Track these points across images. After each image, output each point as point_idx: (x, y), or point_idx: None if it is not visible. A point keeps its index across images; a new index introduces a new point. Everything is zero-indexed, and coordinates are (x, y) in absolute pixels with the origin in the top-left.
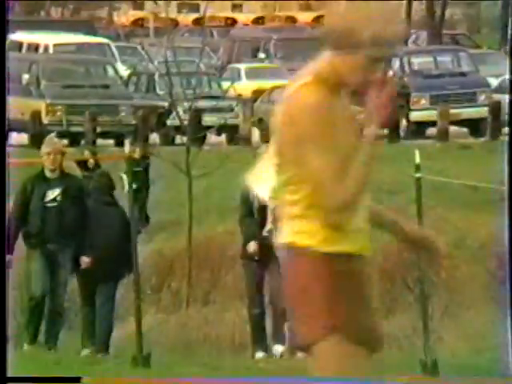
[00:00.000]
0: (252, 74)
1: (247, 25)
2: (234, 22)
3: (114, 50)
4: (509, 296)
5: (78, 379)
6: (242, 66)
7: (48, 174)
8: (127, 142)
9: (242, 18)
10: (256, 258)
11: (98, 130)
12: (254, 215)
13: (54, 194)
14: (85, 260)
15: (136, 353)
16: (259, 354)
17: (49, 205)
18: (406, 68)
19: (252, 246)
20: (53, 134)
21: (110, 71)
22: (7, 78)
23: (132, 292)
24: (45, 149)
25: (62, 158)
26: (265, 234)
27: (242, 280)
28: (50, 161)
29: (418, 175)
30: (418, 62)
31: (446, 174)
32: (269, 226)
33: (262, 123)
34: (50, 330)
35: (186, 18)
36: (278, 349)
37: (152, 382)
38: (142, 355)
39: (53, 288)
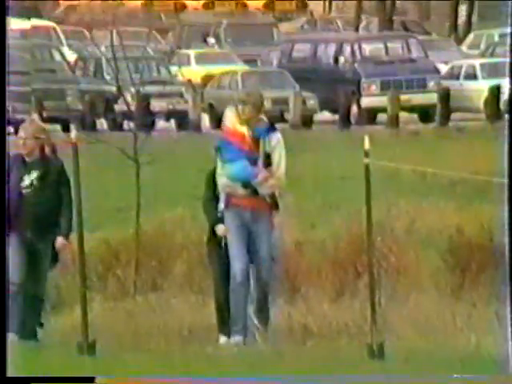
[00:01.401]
0: (202, 60)
1: (197, 9)
2: (183, 6)
3: (61, 33)
4: (509, 291)
5: (92, 379)
6: (192, 52)
7: (26, 157)
8: (73, 128)
9: (192, 2)
10: (223, 242)
11: (45, 115)
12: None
13: (30, 178)
14: (60, 241)
15: (81, 340)
16: (223, 339)
17: (25, 190)
18: (357, 54)
19: (220, 230)
20: (34, 116)
21: (57, 55)
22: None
23: (78, 279)
24: (19, 132)
25: (40, 142)
26: (219, 214)
27: (193, 267)
28: (22, 145)
29: (367, 161)
30: (368, 48)
31: (396, 160)
32: (221, 205)
33: (211, 109)
34: (29, 319)
35: (134, 2)
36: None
37: (167, 382)
38: (87, 343)
39: (33, 276)
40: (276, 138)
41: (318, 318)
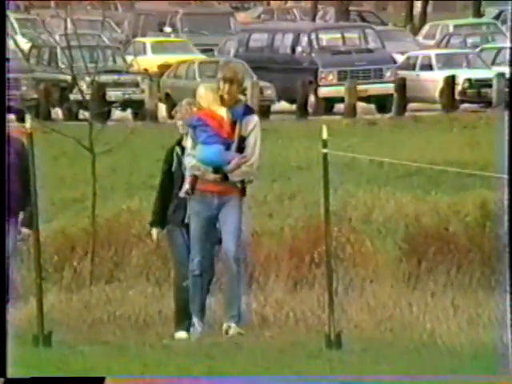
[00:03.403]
0: (158, 49)
1: None
2: None
3: (14, 21)
4: (508, 288)
5: (101, 379)
6: (148, 40)
7: None
8: (28, 118)
9: None
10: (186, 221)
11: None
12: (173, 182)
13: None
14: (25, 232)
15: (37, 332)
16: (181, 334)
17: None
18: (314, 44)
19: (153, 234)
20: None
21: (10, 44)
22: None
23: (33, 271)
24: None
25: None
26: (182, 194)
27: (149, 258)
28: None
29: (324, 151)
30: (325, 38)
31: (354, 150)
32: (186, 186)
33: (168, 98)
34: None
35: None
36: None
37: (174, 382)
38: (43, 335)
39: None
40: (253, 123)
41: (276, 308)
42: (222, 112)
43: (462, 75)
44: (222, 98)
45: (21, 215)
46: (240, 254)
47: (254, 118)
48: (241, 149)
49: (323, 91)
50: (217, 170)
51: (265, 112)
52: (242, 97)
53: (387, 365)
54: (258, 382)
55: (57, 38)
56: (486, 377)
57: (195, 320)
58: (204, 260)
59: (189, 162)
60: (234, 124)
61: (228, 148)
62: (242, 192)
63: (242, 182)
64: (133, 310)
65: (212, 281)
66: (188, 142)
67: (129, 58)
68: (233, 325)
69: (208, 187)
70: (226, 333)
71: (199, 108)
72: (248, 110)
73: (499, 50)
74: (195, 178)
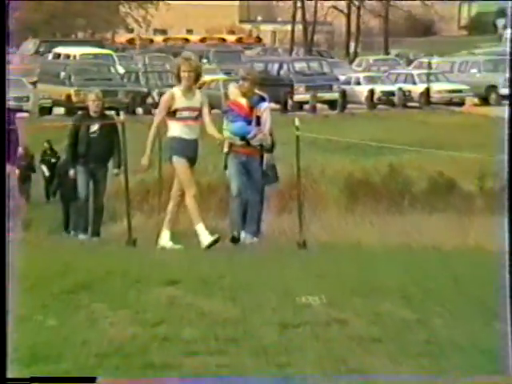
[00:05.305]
0: None
1: (196, 42)
2: (187, 40)
3: (115, 57)
4: (508, 295)
5: (93, 379)
6: None
7: (92, 114)
8: (122, 113)
9: (193, 38)
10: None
11: (105, 105)
12: None
13: (94, 127)
14: (115, 171)
15: (127, 238)
16: (243, 235)
17: (91, 135)
18: (291, 69)
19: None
20: (98, 90)
21: (113, 70)
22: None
23: (124, 203)
24: (91, 97)
25: (102, 105)
26: (224, 151)
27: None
28: (94, 106)
29: (297, 133)
30: (297, 66)
31: (315, 133)
32: (225, 149)
33: None
34: (95, 223)
35: (159, 38)
36: (247, 238)
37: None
38: (131, 240)
39: (95, 193)
40: (264, 106)
41: (267, 226)
42: (242, 101)
43: (378, 88)
44: (243, 92)
45: (111, 161)
46: (258, 199)
47: (266, 104)
48: (258, 124)
49: (297, 97)
50: (242, 138)
51: None
52: (257, 91)
53: (333, 258)
54: (258, 382)
55: (140, 66)
56: (487, 377)
57: (234, 232)
58: (239, 186)
59: (225, 134)
60: (252, 108)
61: (249, 124)
62: (261, 152)
63: (261, 146)
64: (181, 226)
65: (260, 204)
66: (224, 122)
67: None
68: (249, 236)
69: (238, 150)
70: (244, 241)
71: (228, 99)
72: (262, 99)
73: (398, 74)
74: (230, 144)
